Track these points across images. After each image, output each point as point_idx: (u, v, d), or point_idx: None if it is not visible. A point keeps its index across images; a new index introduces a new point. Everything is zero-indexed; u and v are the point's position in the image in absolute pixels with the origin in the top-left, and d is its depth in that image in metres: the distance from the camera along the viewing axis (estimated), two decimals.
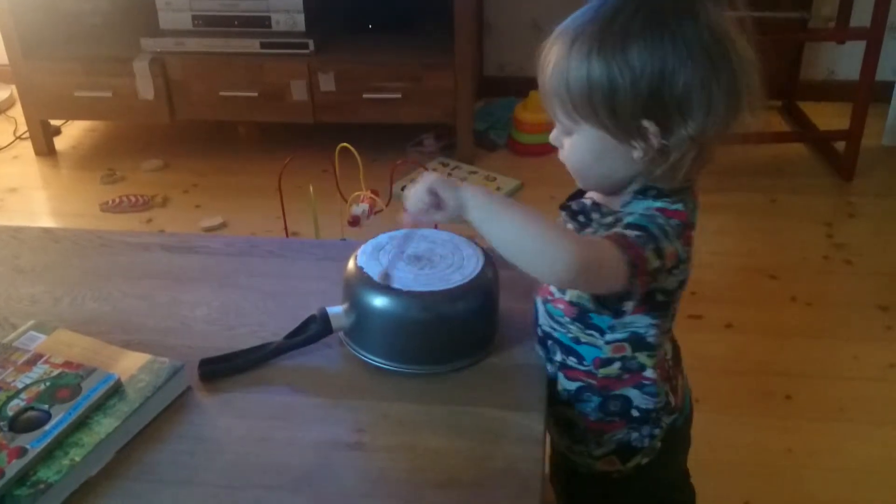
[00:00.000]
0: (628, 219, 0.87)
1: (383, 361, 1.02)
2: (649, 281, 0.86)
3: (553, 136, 0.94)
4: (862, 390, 1.83)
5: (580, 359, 0.98)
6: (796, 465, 1.65)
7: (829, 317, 2.08)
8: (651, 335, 0.96)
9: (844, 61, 3.06)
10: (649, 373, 0.98)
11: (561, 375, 1.01)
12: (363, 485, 0.88)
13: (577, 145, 0.91)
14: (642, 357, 0.97)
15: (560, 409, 1.01)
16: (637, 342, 0.96)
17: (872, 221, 2.47)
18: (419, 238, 1.08)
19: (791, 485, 1.61)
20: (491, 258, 1.06)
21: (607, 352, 0.97)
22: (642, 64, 0.83)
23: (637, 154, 0.87)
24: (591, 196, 0.97)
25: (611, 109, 0.85)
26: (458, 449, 0.91)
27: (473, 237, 1.08)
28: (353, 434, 0.94)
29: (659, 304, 0.93)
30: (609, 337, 0.96)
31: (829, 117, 2.84)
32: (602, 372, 0.98)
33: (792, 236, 2.40)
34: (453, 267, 1.03)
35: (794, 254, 2.32)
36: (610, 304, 0.93)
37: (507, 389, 0.99)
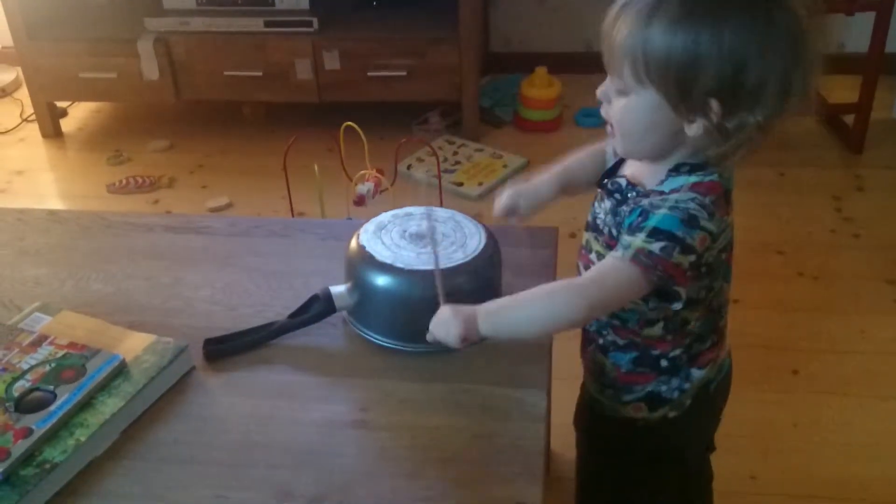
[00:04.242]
0: (654, 220, 0.86)
1: (386, 340, 1.03)
2: (692, 276, 0.88)
3: (601, 91, 0.91)
4: (869, 364, 1.83)
5: (623, 322, 0.99)
6: (802, 439, 1.65)
7: (837, 291, 2.07)
8: (700, 295, 0.96)
9: (854, 34, 3.02)
10: (691, 326, 0.98)
11: (608, 329, 1.01)
12: (366, 463, 0.89)
13: (632, 107, 0.88)
14: (685, 312, 0.96)
15: (594, 354, 1.03)
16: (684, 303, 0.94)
17: (881, 195, 2.45)
18: (420, 217, 1.08)
19: (796, 459, 1.61)
20: (493, 236, 1.06)
21: (651, 315, 0.96)
22: (732, 42, 0.80)
23: (693, 130, 0.85)
24: (626, 174, 0.96)
25: (684, 80, 0.82)
26: (460, 427, 0.92)
27: (476, 215, 1.08)
28: (356, 412, 0.95)
29: (703, 274, 0.92)
30: (653, 304, 0.95)
31: (838, 90, 2.80)
32: (645, 332, 0.98)
33: (800, 210, 2.38)
34: (455, 245, 1.03)
35: (801, 228, 2.31)
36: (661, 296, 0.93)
37: (510, 367, 1.00)
